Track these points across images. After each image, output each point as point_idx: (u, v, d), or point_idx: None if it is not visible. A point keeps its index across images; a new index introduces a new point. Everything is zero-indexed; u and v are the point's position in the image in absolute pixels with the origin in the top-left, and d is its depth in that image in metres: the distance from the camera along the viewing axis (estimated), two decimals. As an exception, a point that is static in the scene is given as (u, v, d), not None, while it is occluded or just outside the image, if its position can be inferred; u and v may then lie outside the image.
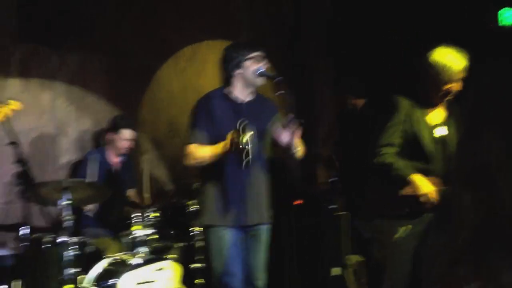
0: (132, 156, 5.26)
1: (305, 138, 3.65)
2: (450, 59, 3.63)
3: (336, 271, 5.11)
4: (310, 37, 6.61)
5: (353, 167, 5.06)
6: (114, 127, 4.99)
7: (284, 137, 3.61)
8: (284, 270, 5.23)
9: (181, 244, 4.69)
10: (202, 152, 3.72)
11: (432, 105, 3.78)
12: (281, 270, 5.21)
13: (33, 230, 4.26)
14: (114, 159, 5.05)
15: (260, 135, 3.74)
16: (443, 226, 3.87)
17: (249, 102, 3.83)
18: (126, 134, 4.97)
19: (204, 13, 5.97)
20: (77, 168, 5.00)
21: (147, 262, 4.09)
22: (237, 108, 3.79)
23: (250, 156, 3.58)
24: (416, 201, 3.67)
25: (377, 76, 5.66)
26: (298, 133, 3.57)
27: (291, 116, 3.51)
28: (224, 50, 3.85)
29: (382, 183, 3.81)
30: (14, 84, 4.99)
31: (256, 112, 3.82)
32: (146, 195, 5.06)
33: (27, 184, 3.06)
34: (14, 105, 3.42)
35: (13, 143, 2.96)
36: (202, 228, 3.97)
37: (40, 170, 4.94)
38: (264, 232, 3.84)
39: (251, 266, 3.80)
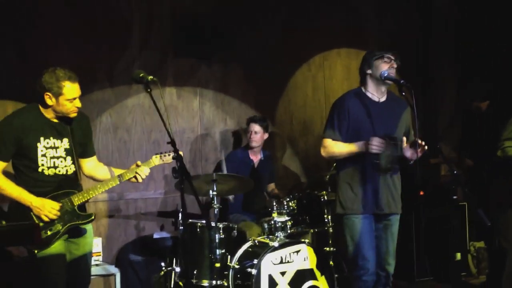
0: (272, 155, 5.65)
1: (429, 134, 3.79)
2: None
3: (458, 256, 5.23)
4: (437, 43, 6.66)
5: (477, 162, 5.22)
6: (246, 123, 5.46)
7: (410, 153, 3.82)
8: (411, 255, 5.38)
9: (315, 230, 4.94)
10: (339, 148, 3.94)
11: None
12: (409, 255, 5.37)
13: (187, 216, 4.78)
14: (255, 157, 5.47)
15: (394, 130, 3.92)
16: None
17: (384, 101, 4.01)
18: (251, 127, 5.36)
19: (333, 23, 6.22)
20: (223, 164, 5.33)
21: (284, 245, 4.35)
22: (372, 105, 3.97)
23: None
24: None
25: (501, 78, 5.71)
26: (422, 151, 3.71)
27: (417, 140, 3.64)
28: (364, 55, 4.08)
29: (504, 175, 3.97)
30: (170, 92, 5.50)
31: (390, 110, 4.00)
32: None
33: (183, 177, 3.49)
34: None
35: (171, 142, 3.39)
36: (336, 216, 4.16)
37: (192, 165, 5.53)
38: (395, 221, 4.02)
39: (383, 252, 4.00)
